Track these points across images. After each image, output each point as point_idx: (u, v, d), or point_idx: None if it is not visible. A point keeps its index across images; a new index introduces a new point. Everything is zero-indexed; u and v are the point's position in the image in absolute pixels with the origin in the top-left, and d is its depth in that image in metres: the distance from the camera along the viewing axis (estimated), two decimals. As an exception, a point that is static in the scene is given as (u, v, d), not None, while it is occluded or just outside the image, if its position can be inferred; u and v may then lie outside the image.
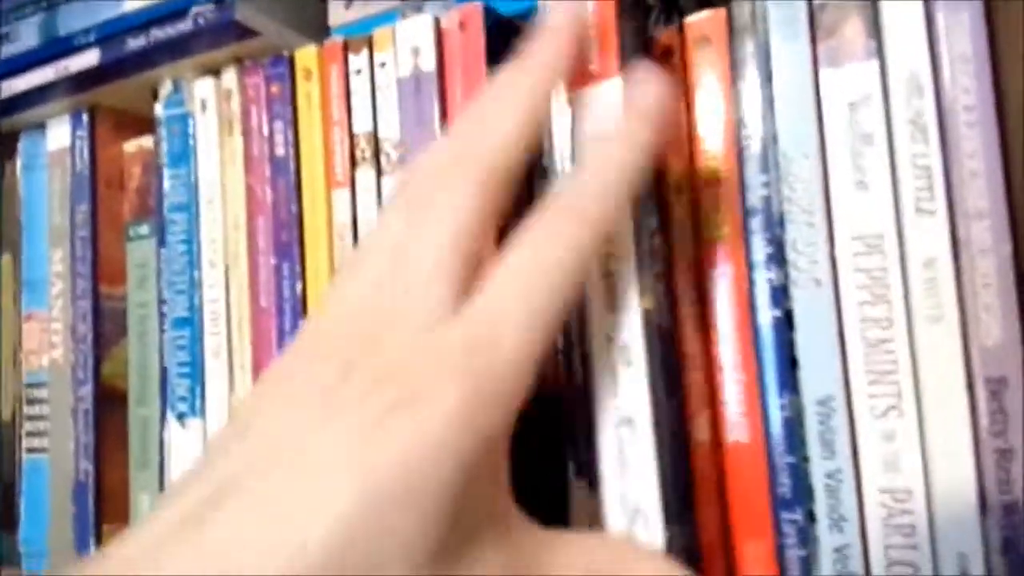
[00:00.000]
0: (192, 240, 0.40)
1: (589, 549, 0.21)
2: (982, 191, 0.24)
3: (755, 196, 0.28)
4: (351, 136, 0.36)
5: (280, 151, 0.38)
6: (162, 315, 0.41)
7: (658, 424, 0.25)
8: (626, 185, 0.23)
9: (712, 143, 0.29)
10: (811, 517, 0.26)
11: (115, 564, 0.17)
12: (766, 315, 0.28)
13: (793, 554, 0.26)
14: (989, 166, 0.24)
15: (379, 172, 0.36)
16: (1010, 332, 0.23)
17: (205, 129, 0.40)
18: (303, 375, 0.20)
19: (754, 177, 0.28)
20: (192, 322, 0.40)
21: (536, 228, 0.21)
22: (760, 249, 0.28)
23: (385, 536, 0.17)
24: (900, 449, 0.25)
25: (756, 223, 0.28)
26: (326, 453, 0.18)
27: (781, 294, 0.28)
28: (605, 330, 0.26)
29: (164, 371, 0.41)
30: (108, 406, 0.44)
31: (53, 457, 0.44)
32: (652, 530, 0.25)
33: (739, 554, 0.28)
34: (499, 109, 0.23)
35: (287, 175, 0.37)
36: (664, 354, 0.26)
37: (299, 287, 0.37)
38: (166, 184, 0.41)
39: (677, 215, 0.30)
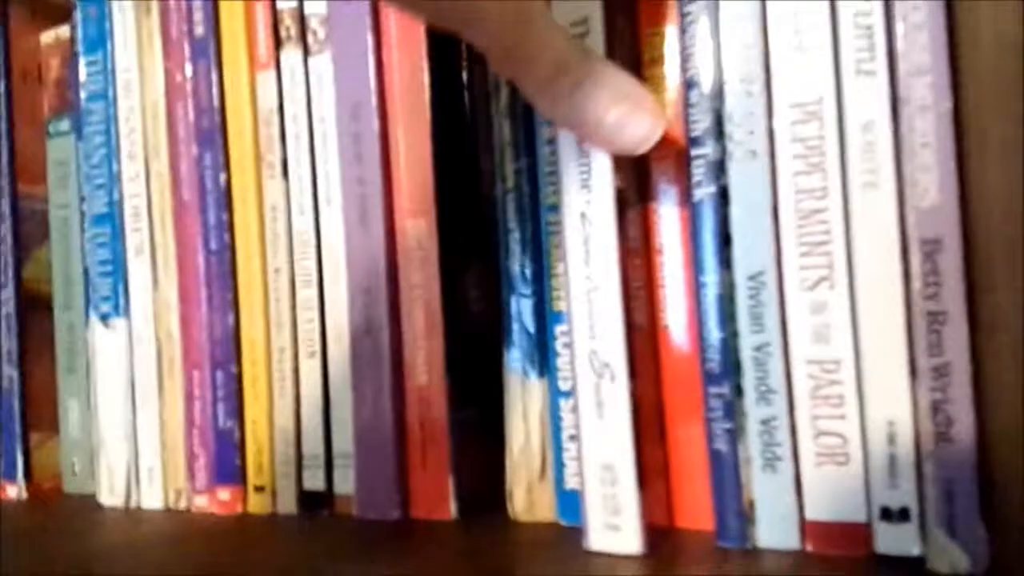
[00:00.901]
0: (110, 131, 0.38)
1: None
2: (925, 45, 0.23)
3: (696, 66, 0.27)
4: (274, 13, 0.34)
5: (199, 31, 0.35)
6: (82, 213, 0.39)
7: (625, 292, 0.26)
8: None
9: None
10: (738, 391, 0.25)
11: None
12: (703, 191, 0.27)
13: (719, 427, 0.25)
14: (933, 17, 0.22)
15: (306, 52, 0.34)
16: (947, 192, 0.22)
17: (121, 10, 0.37)
18: None
19: (696, 46, 0.27)
20: (112, 218, 0.38)
21: None
22: (699, 124, 0.27)
23: None
24: (830, 320, 0.24)
25: (695, 95, 0.27)
26: None
27: (718, 169, 0.26)
28: (579, 208, 0.27)
29: (85, 271, 0.39)
30: (32, 311, 0.42)
31: (-27, 363, 0.42)
32: (618, 383, 0.26)
33: (671, 436, 0.28)
34: None
35: (207, 57, 0.35)
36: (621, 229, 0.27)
37: (223, 178, 0.35)
38: (82, 72, 0.39)
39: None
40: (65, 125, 0.41)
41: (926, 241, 0.22)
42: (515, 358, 0.30)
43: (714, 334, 0.26)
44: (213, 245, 0.35)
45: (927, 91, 0.23)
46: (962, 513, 0.22)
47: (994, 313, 0.21)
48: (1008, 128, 0.18)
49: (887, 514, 0.23)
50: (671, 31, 0.28)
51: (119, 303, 0.38)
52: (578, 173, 0.27)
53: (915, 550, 0.23)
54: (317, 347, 0.34)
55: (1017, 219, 0.18)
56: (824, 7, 0.24)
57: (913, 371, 0.23)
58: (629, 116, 0.25)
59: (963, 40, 0.22)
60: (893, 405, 0.23)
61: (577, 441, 0.27)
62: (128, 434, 0.37)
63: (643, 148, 0.26)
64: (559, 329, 0.30)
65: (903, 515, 0.23)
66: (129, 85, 0.37)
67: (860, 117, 0.24)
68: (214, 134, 0.35)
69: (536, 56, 0.24)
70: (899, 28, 0.23)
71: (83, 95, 0.38)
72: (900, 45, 0.23)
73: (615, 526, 0.26)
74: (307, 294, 0.34)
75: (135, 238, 0.37)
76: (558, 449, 0.29)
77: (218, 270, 0.35)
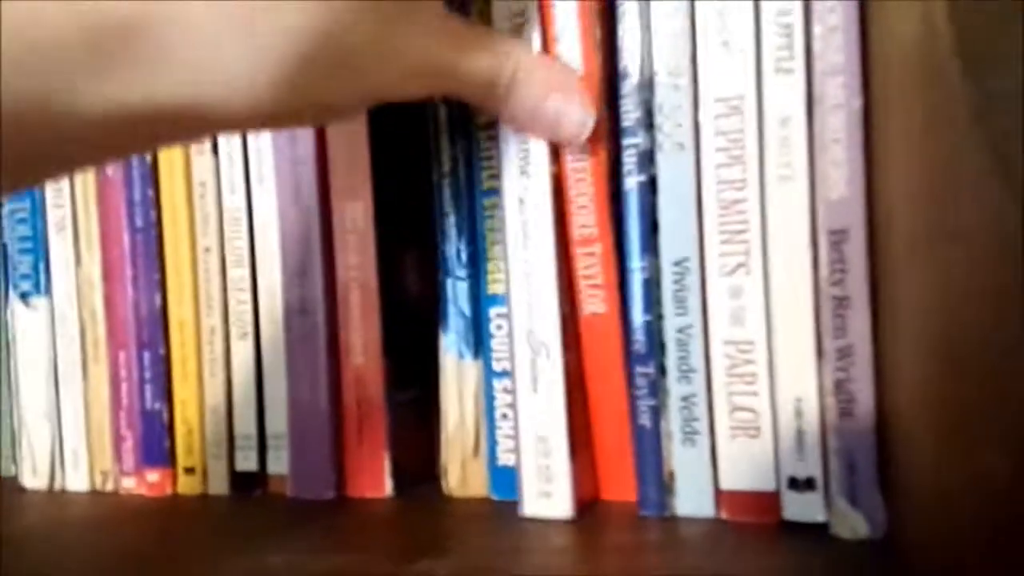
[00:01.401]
0: (29, 102, 0.36)
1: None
2: (840, 46, 0.24)
3: (627, 58, 0.27)
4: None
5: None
6: (-2, 187, 0.37)
7: (560, 272, 0.28)
8: None
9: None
10: (662, 370, 0.27)
11: None
12: (633, 180, 0.28)
13: (644, 404, 0.27)
14: (847, 19, 0.24)
15: (237, 28, 0.33)
16: (855, 186, 0.24)
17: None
18: None
19: (627, 38, 0.27)
20: (32, 193, 0.36)
21: None
22: (631, 115, 0.28)
23: None
24: (745, 304, 0.25)
25: (626, 86, 0.28)
26: None
27: (647, 159, 0.27)
28: (518, 193, 0.28)
29: (4, 248, 0.37)
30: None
31: None
32: (553, 360, 0.28)
33: (596, 413, 0.29)
34: None
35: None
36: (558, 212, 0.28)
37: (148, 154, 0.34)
38: None
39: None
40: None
41: (834, 231, 0.24)
42: (451, 340, 0.31)
43: (640, 317, 0.27)
44: (139, 222, 0.34)
45: (840, 90, 0.24)
46: (862, 483, 0.24)
47: (894, 299, 0.22)
48: (909, 124, 0.20)
49: (795, 483, 0.25)
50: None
51: (40, 281, 0.36)
52: (517, 160, 0.28)
53: (820, 517, 0.25)
54: (249, 328, 0.33)
55: (917, 212, 0.20)
56: (748, 6, 0.25)
57: (819, 352, 0.24)
58: (564, 106, 0.26)
59: (873, 40, 0.23)
60: (801, 383, 0.25)
61: (513, 414, 0.28)
62: (51, 415, 0.36)
63: (581, 137, 0.27)
64: (494, 311, 0.30)
65: (809, 484, 0.25)
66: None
67: (778, 113, 0.25)
68: (141, 109, 0.34)
69: (463, 83, 0.25)
70: (816, 29, 0.25)
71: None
72: (817, 45, 0.25)
73: (548, 493, 0.27)
74: (239, 274, 0.33)
75: (56, 214, 0.36)
76: (491, 427, 0.30)
77: (144, 248, 0.34)
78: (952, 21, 0.14)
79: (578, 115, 0.27)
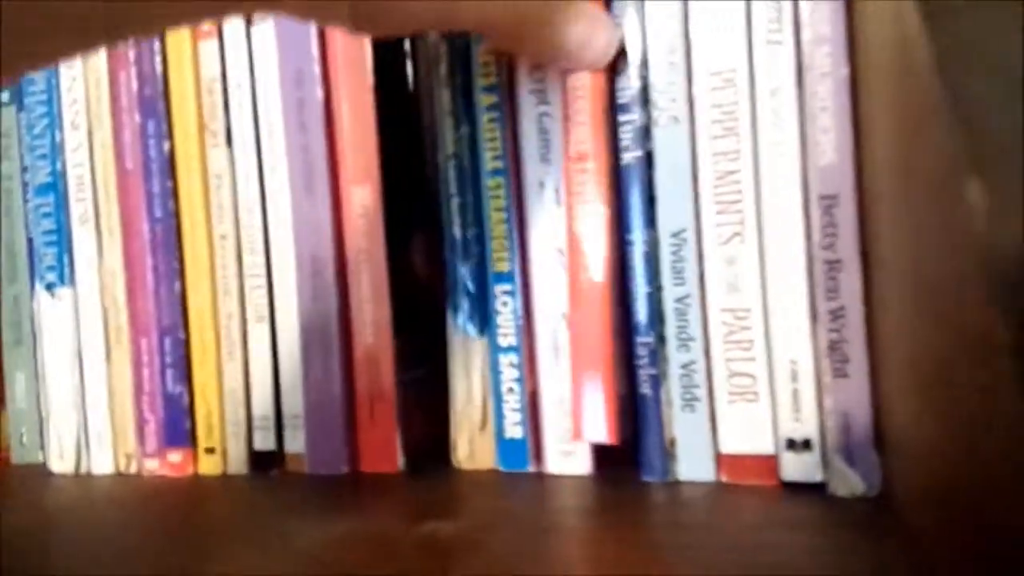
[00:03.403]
0: (52, 100, 0.38)
1: None
2: (825, 15, 0.25)
3: (623, 36, 0.28)
4: (217, -17, 0.34)
5: None
6: (25, 184, 0.39)
7: (572, 251, 0.29)
8: None
9: None
10: (661, 339, 0.27)
11: None
12: (630, 155, 0.28)
13: (645, 373, 0.27)
14: (832, -10, 0.24)
15: (248, 21, 0.34)
16: (843, 151, 0.24)
17: (59, -21, 0.37)
18: None
19: (624, 17, 0.28)
20: (56, 188, 0.38)
21: None
22: (627, 91, 0.28)
23: None
24: (740, 272, 0.26)
25: (623, 64, 0.28)
26: None
27: (644, 134, 0.28)
28: (539, 177, 0.30)
29: (29, 241, 0.39)
30: (-27, 284, 0.41)
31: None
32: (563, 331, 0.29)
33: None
34: None
35: (150, 26, 0.35)
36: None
37: (166, 146, 0.35)
38: (20, 42, 0.38)
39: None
40: (5, 96, 0.41)
41: (824, 197, 0.25)
42: (458, 318, 0.32)
43: (641, 288, 0.28)
44: (158, 213, 0.36)
45: (827, 59, 0.25)
46: (858, 442, 0.24)
47: (882, 260, 0.23)
48: (893, 89, 0.20)
49: (792, 445, 0.25)
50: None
51: (64, 272, 0.38)
52: (537, 148, 0.29)
53: (818, 477, 0.25)
54: (265, 312, 0.35)
55: (901, 174, 0.20)
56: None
57: (813, 315, 0.25)
58: (588, 34, 0.27)
59: (857, 9, 0.24)
60: (796, 346, 0.25)
61: (532, 385, 0.30)
62: (76, 402, 0.38)
63: (604, 61, 0.28)
64: (499, 289, 0.31)
65: (806, 445, 0.25)
66: (70, 54, 0.37)
67: (769, 84, 0.26)
68: (157, 102, 0.35)
69: (498, 19, 0.25)
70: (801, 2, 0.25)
71: (22, 65, 0.38)
72: (805, 15, 0.25)
73: (569, 452, 0.29)
74: (254, 260, 0.35)
75: (79, 208, 0.38)
76: (498, 401, 0.31)
77: (163, 238, 0.36)
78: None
79: (604, 40, 0.28)
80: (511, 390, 0.31)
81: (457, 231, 0.32)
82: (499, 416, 0.31)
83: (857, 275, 0.24)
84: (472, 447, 0.32)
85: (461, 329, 0.32)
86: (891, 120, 0.20)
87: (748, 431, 0.26)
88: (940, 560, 0.17)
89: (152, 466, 0.36)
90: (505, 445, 0.31)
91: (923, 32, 0.15)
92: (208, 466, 0.36)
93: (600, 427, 0.27)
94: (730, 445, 0.26)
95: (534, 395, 0.30)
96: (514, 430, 0.31)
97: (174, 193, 0.36)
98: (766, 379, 0.26)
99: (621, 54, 0.28)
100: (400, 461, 0.32)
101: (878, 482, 0.24)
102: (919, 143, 0.15)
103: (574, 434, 0.28)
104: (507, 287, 0.31)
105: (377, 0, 0.21)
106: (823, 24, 0.25)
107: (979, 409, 0.15)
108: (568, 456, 0.29)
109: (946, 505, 0.18)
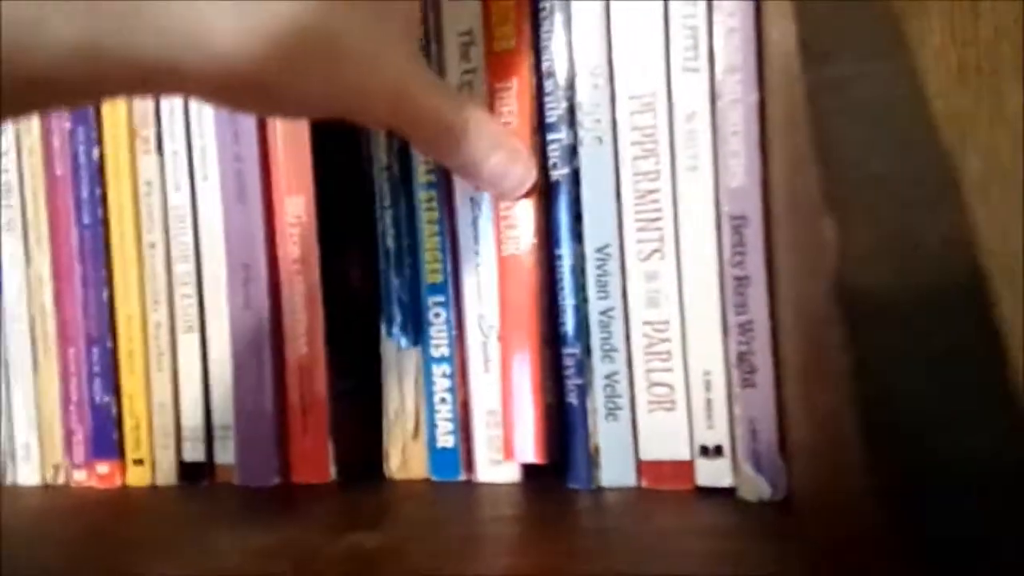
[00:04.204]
0: (-26, 104, 0.37)
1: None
2: (738, 46, 0.26)
3: (552, 58, 0.29)
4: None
5: (69, 5, 0.35)
6: (-55, 188, 0.38)
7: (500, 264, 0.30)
8: None
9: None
10: (587, 350, 0.28)
11: None
12: (558, 173, 0.29)
13: (571, 383, 0.28)
14: (744, 22, 0.26)
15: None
16: (752, 174, 0.26)
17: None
18: None
19: (552, 39, 0.29)
20: (-22, 194, 0.37)
21: None
22: (555, 111, 0.29)
23: None
24: (660, 287, 0.27)
25: (551, 84, 0.29)
26: None
27: (571, 153, 0.29)
28: (471, 191, 0.31)
29: (-50, 249, 0.38)
30: None
31: None
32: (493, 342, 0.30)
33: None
34: None
35: (78, 32, 0.35)
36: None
37: (96, 153, 0.35)
38: (-59, 43, 0.37)
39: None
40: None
41: (734, 217, 0.26)
42: (391, 328, 0.33)
43: (569, 301, 0.29)
44: (87, 220, 0.35)
45: (738, 86, 0.26)
46: (764, 448, 0.26)
47: (782, 275, 0.24)
48: (784, 119, 0.22)
49: (705, 451, 0.27)
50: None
51: (-13, 281, 0.37)
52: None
53: (728, 481, 0.26)
54: (195, 322, 0.34)
55: (789, 199, 0.22)
56: (658, 7, 0.27)
57: (725, 328, 0.26)
58: (506, 164, 0.28)
59: (765, 40, 0.25)
60: (709, 357, 0.27)
61: (463, 395, 0.31)
62: (3, 410, 0.37)
63: (520, 191, 0.29)
64: (432, 300, 0.32)
65: (718, 451, 0.27)
66: (-7, 58, 0.36)
67: (685, 108, 0.27)
68: (87, 109, 0.35)
69: (420, 120, 0.26)
70: (717, 30, 0.27)
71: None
72: (718, 45, 0.27)
73: (499, 460, 0.30)
74: (184, 269, 0.34)
75: (7, 213, 0.37)
76: (431, 411, 0.32)
77: (92, 245, 0.35)
78: (797, 17, 0.16)
79: (520, 173, 0.28)
80: (443, 400, 0.31)
81: (391, 242, 0.32)
82: (431, 426, 0.32)
83: (763, 290, 0.26)
84: (404, 457, 0.32)
85: (394, 340, 0.33)
86: (784, 148, 0.22)
87: (666, 438, 0.27)
88: (829, 563, 0.19)
89: (80, 477, 0.36)
90: (437, 455, 0.31)
91: (801, 68, 0.16)
92: (137, 477, 0.35)
93: (528, 447, 0.28)
94: (650, 452, 0.27)
95: (465, 405, 0.31)
96: (446, 440, 0.31)
97: (103, 200, 0.35)
98: (683, 389, 0.27)
99: (548, 76, 0.29)
100: (332, 472, 0.33)
101: (783, 487, 0.26)
102: (801, 172, 0.17)
103: (505, 453, 0.29)
104: (440, 298, 0.31)
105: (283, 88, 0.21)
106: (735, 54, 0.26)
107: (832, 425, 0.16)
108: (498, 465, 0.30)
109: (840, 509, 0.20)
